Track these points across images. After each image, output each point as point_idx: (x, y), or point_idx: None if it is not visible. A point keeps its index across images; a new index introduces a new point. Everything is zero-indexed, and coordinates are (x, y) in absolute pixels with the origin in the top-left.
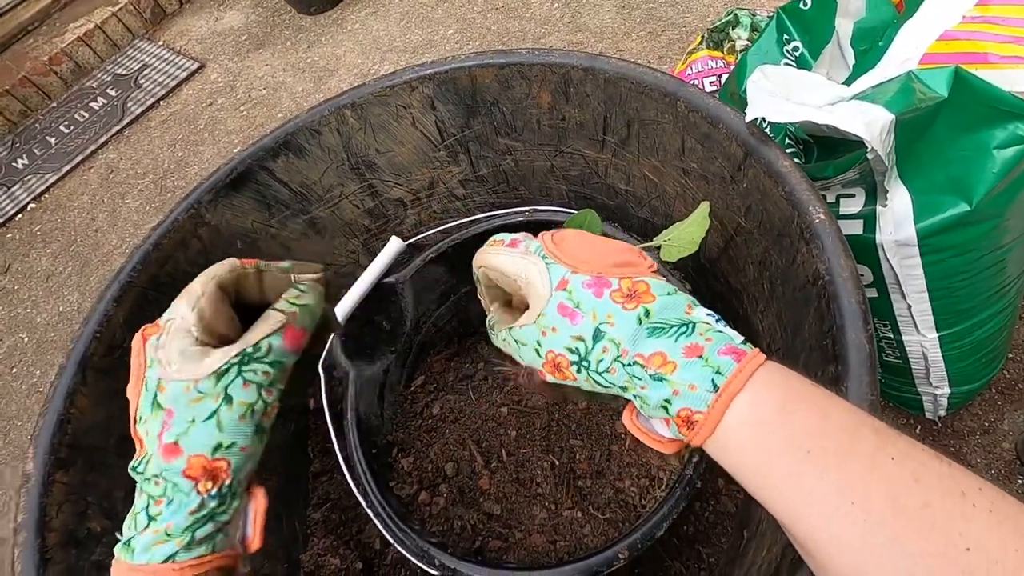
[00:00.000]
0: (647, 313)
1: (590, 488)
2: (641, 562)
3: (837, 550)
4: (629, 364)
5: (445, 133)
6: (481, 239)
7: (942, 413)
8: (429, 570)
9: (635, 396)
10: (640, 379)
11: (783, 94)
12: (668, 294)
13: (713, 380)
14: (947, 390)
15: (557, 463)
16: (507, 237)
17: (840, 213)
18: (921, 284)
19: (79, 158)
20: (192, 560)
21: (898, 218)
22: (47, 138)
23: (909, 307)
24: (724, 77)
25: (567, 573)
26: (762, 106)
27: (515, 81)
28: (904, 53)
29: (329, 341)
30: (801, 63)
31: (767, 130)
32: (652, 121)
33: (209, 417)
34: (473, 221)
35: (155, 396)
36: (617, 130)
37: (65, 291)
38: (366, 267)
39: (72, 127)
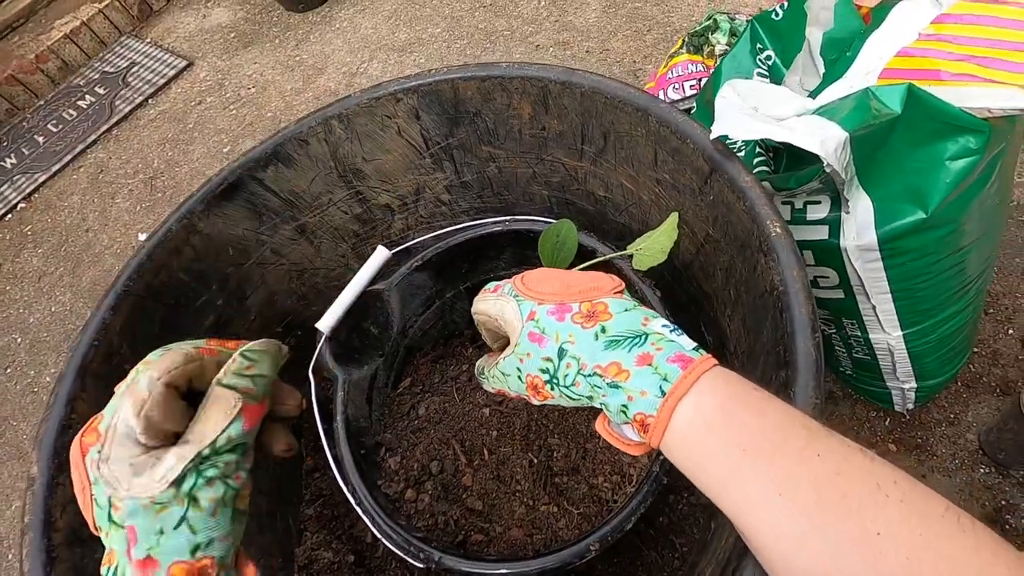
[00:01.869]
0: (603, 329)
1: (566, 484)
2: (619, 551)
3: (772, 539)
4: (590, 375)
5: (430, 141)
6: (462, 248)
7: (910, 406)
8: (415, 563)
9: (601, 404)
10: (600, 388)
11: (752, 106)
12: (625, 310)
13: (660, 386)
14: (914, 384)
15: (536, 461)
16: (492, 285)
17: (807, 219)
18: (884, 286)
19: (68, 157)
20: None
21: (860, 224)
22: (35, 137)
23: (874, 307)
24: (703, 80)
25: (542, 564)
26: (727, 123)
27: (496, 93)
28: (867, 66)
29: (319, 347)
30: (774, 71)
31: (736, 143)
32: (626, 133)
33: (178, 525)
34: (459, 229)
35: (109, 514)
36: (594, 140)
37: (57, 291)
38: (355, 271)
39: (60, 126)
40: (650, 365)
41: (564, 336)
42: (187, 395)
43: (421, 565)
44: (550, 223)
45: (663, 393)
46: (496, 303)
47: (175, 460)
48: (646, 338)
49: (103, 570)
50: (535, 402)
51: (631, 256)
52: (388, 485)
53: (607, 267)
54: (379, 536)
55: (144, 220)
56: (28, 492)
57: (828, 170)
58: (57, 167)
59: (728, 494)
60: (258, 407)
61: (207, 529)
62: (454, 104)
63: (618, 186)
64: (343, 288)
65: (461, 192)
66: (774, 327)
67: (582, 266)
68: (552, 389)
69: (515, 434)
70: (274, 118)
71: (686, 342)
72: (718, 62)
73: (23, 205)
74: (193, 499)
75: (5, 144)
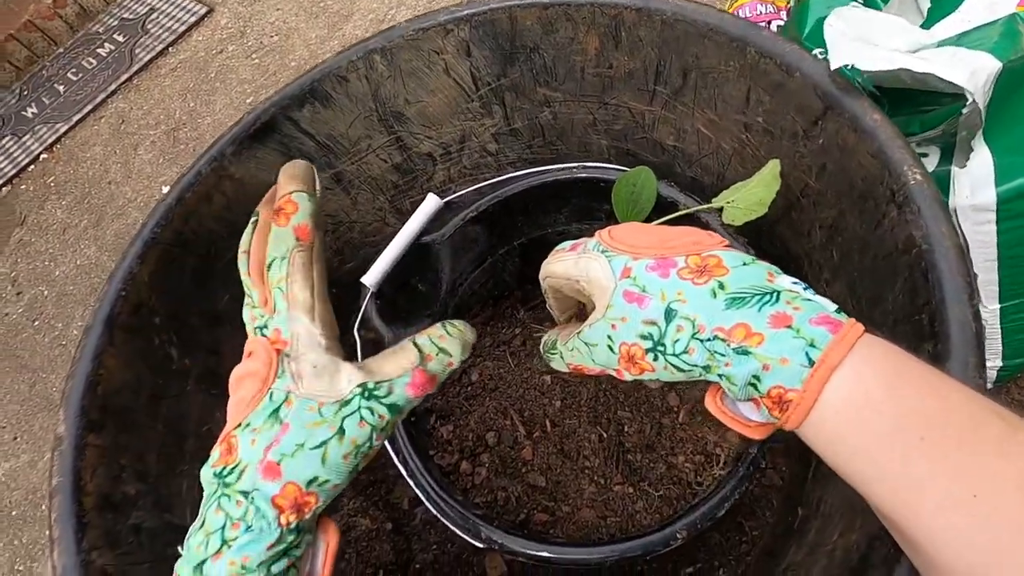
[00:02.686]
0: (721, 286)
1: (640, 463)
2: None
3: (955, 547)
4: (709, 339)
5: (480, 82)
6: (524, 197)
7: (988, 386)
8: (475, 542)
9: (720, 376)
10: (723, 355)
11: (862, 37)
12: (744, 264)
13: (807, 353)
14: (999, 363)
15: (605, 435)
16: (567, 244)
17: None
18: (992, 252)
19: (89, 107)
20: None
21: (976, 180)
22: (55, 86)
23: (975, 276)
24: (773, 24)
25: (621, 550)
26: (848, 52)
27: (560, 24)
28: None
29: (363, 304)
30: (869, 6)
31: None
32: (713, 69)
33: (318, 447)
34: (515, 177)
35: (278, 408)
36: (671, 80)
37: (82, 244)
38: (392, 225)
39: (80, 74)
40: (789, 327)
41: (671, 294)
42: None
43: (482, 545)
44: (623, 171)
45: (811, 362)
46: (579, 261)
47: (350, 376)
48: (778, 295)
49: (212, 471)
50: (627, 377)
51: (720, 209)
52: (441, 456)
53: (691, 221)
54: (435, 512)
55: (167, 172)
56: (55, 452)
57: (967, 111)
58: (78, 117)
59: (892, 489)
60: (429, 379)
61: (333, 468)
62: (510, 37)
63: (693, 133)
64: (380, 243)
65: (509, 141)
66: (909, 292)
67: (662, 219)
68: (655, 359)
69: (581, 405)
70: (298, 68)
71: (826, 302)
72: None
73: (45, 156)
74: (341, 431)
75: (26, 93)
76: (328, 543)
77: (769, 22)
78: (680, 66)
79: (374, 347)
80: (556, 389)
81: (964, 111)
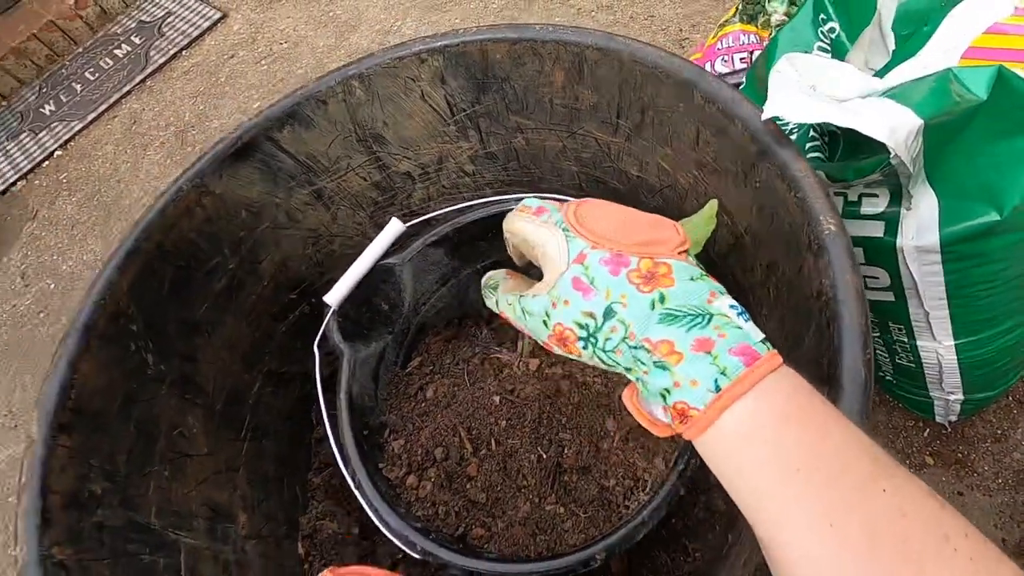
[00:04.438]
0: (662, 298)
1: (575, 484)
2: (629, 551)
3: (808, 568)
4: (636, 347)
5: (455, 108)
6: (481, 224)
7: (952, 418)
8: (412, 554)
9: (637, 379)
10: (644, 364)
11: (810, 84)
12: (691, 279)
13: (716, 380)
14: (960, 396)
15: (544, 456)
16: (535, 204)
17: (861, 213)
18: (941, 291)
19: (103, 107)
20: None
21: (922, 223)
22: (73, 84)
23: (926, 313)
24: (756, 53)
25: (544, 568)
26: (782, 102)
27: (527, 58)
28: (948, 42)
29: (325, 320)
30: (836, 46)
31: (789, 125)
32: (667, 108)
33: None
34: (479, 204)
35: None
36: (631, 115)
37: (89, 240)
38: (372, 241)
39: (97, 74)
40: (709, 353)
41: (616, 295)
42: None
43: (418, 556)
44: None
45: (718, 389)
46: (539, 230)
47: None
48: (710, 319)
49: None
50: (555, 351)
51: None
52: (390, 469)
53: None
54: (376, 522)
55: (173, 174)
56: (26, 452)
57: (895, 162)
58: (93, 116)
59: (765, 509)
60: None
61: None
62: (482, 68)
63: (654, 166)
64: (352, 264)
65: (486, 163)
66: (818, 336)
67: None
68: (584, 348)
69: (525, 426)
70: (305, 75)
71: (754, 332)
72: (774, 33)
73: (59, 152)
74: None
75: (45, 91)
76: None
77: (752, 52)
78: (639, 103)
79: (334, 361)
80: (503, 409)
81: (892, 162)
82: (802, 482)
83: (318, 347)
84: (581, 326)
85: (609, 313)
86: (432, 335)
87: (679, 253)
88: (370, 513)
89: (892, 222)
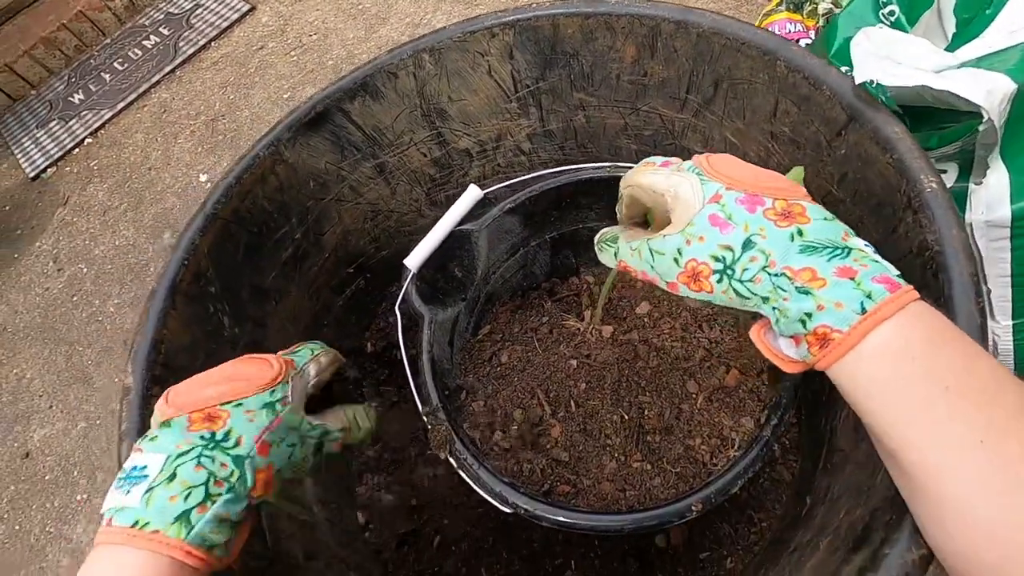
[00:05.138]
0: (800, 232)
1: (659, 443)
2: (691, 521)
3: (952, 481)
4: (776, 275)
5: (519, 84)
6: (558, 192)
7: None
8: (503, 508)
9: (774, 308)
10: (784, 290)
11: (886, 56)
12: (824, 219)
13: (862, 303)
14: None
15: (626, 417)
16: (659, 159)
17: None
18: (1006, 268)
19: (133, 96)
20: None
21: (993, 197)
22: (102, 74)
23: (988, 291)
24: (802, 43)
25: (639, 520)
26: (872, 68)
27: (600, 32)
28: (1012, 24)
29: (404, 285)
30: (896, 27)
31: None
32: (743, 80)
33: (290, 446)
34: (552, 173)
35: (275, 403)
36: (702, 89)
37: (120, 226)
38: (427, 216)
39: (126, 64)
40: (852, 279)
41: (754, 228)
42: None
43: (509, 510)
44: None
45: (863, 310)
46: (670, 177)
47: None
48: (848, 251)
49: (193, 433)
50: (680, 292)
51: None
52: (472, 428)
53: None
54: (466, 478)
55: (204, 161)
56: (123, 401)
57: (983, 128)
58: (122, 105)
59: (911, 429)
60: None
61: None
62: (552, 43)
63: (720, 141)
64: (415, 232)
65: (543, 142)
66: (922, 293)
67: None
68: (719, 281)
69: (604, 388)
70: (335, 66)
71: (890, 266)
72: (832, 17)
73: (90, 140)
74: (302, 442)
75: (74, 80)
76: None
77: (798, 40)
78: (712, 77)
79: (412, 323)
80: (581, 373)
81: (980, 128)
82: (954, 401)
83: (399, 308)
84: (717, 259)
85: (748, 244)
86: (499, 305)
87: (810, 200)
88: (460, 471)
89: (960, 196)
